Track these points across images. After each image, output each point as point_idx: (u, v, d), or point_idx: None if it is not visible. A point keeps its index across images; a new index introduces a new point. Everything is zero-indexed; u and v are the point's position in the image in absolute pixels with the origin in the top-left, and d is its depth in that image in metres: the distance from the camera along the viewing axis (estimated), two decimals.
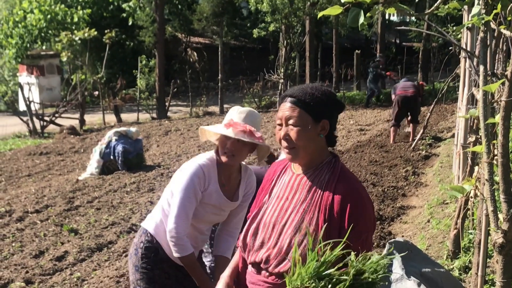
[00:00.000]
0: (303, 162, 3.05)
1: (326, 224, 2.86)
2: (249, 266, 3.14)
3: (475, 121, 5.19)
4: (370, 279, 2.54)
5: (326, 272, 2.53)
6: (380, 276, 2.56)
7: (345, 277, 2.52)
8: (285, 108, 3.00)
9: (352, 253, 2.61)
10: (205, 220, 4.26)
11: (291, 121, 2.96)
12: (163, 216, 4.23)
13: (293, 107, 2.97)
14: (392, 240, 3.84)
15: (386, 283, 2.73)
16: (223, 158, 4.06)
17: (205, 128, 4.18)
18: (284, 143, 3.00)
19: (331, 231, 2.85)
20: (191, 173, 4.03)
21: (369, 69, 26.54)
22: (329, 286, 2.51)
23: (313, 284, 2.51)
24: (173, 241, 4.02)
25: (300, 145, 2.95)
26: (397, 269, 3.56)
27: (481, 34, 2.81)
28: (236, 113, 4.07)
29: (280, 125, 3.02)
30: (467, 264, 6.13)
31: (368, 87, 26.68)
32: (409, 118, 15.87)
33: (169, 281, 4.23)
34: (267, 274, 3.00)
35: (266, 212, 3.12)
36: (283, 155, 3.47)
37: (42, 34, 36.60)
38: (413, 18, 34.51)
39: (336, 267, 2.55)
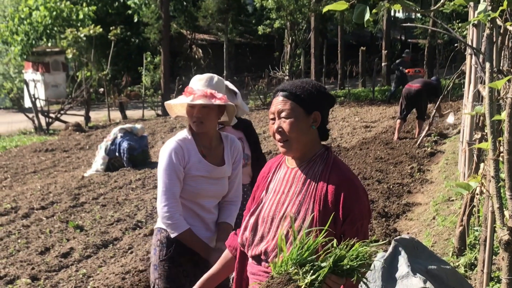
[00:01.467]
0: (297, 155, 3.10)
1: (313, 214, 2.92)
2: (250, 259, 3.17)
3: (481, 118, 5.19)
4: (348, 266, 2.60)
5: (308, 258, 2.61)
6: (360, 263, 2.61)
7: (325, 263, 2.60)
8: (277, 102, 3.06)
9: (335, 240, 2.67)
10: (205, 194, 4.23)
11: (283, 114, 3.01)
12: None
13: (285, 100, 3.02)
14: (398, 237, 3.85)
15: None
16: (194, 127, 4.16)
17: (169, 103, 4.27)
18: (278, 136, 3.05)
19: (325, 220, 2.89)
20: (168, 151, 4.09)
21: (394, 67, 25.34)
22: (311, 271, 2.58)
23: (295, 270, 2.60)
24: (165, 221, 4.05)
25: (293, 136, 3.00)
26: (403, 266, 3.56)
27: (487, 31, 2.81)
28: (196, 80, 4.18)
29: (273, 119, 3.07)
30: (472, 261, 6.12)
31: (392, 85, 26.49)
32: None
33: (187, 279, 4.20)
34: (267, 264, 3.03)
35: (264, 207, 3.17)
36: None
37: (48, 31, 36.67)
38: (418, 14, 34.46)
39: (318, 254, 2.62)
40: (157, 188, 4.14)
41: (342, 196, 2.92)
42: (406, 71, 23.38)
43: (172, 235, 4.07)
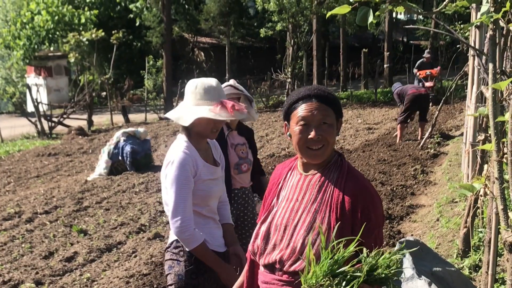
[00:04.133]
0: (323, 160, 3.05)
1: (339, 222, 2.87)
2: (261, 267, 3.14)
3: (484, 119, 5.18)
4: (383, 275, 2.58)
5: (340, 269, 2.56)
6: (393, 271, 2.59)
7: (358, 273, 2.55)
8: (314, 107, 2.99)
9: (365, 249, 2.65)
10: (214, 195, 4.24)
11: (324, 119, 2.98)
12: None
13: (323, 106, 2.98)
14: (403, 239, 3.84)
15: (400, 279, 2.74)
16: (211, 136, 4.18)
17: (208, 116, 4.02)
18: (313, 143, 2.98)
19: (343, 229, 2.87)
20: (180, 163, 3.99)
21: (414, 69, 23.90)
22: (343, 283, 2.54)
23: (328, 281, 2.54)
24: (180, 235, 3.99)
25: (330, 141, 2.99)
26: (408, 268, 3.56)
27: (490, 32, 2.81)
28: (214, 88, 4.14)
29: (305, 125, 2.99)
30: (477, 262, 6.12)
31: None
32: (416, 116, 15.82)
33: (213, 285, 4.17)
34: (281, 273, 3.00)
35: (276, 215, 3.12)
36: None
37: (50, 35, 36.76)
38: (420, 16, 34.45)
39: (350, 264, 2.57)
40: (168, 202, 4.02)
41: (359, 205, 2.90)
42: (417, 73, 22.61)
43: (188, 249, 4.01)
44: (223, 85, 5.65)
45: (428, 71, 22.02)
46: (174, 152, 4.04)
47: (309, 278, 2.60)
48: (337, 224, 2.86)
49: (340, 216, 2.91)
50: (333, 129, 2.99)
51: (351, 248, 2.62)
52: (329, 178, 3.02)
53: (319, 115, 2.97)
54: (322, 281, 2.56)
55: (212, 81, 4.17)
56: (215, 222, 4.27)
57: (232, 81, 5.89)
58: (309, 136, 2.97)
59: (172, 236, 4.23)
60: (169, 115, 4.22)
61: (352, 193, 2.92)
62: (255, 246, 3.14)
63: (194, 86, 4.16)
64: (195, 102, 4.10)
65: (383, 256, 2.62)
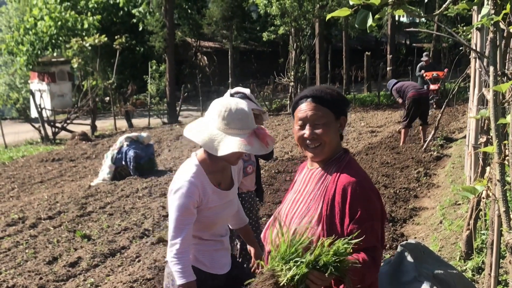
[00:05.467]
0: (324, 158, 3.21)
1: (320, 212, 3.07)
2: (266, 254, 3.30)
3: (486, 121, 5.18)
4: (323, 262, 2.76)
5: (293, 255, 2.78)
6: (337, 259, 2.76)
7: (303, 259, 2.77)
8: (308, 108, 3.16)
9: (322, 238, 2.90)
10: (223, 219, 4.07)
11: (317, 119, 3.13)
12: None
13: (318, 106, 3.15)
14: (404, 242, 3.84)
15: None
16: (234, 163, 3.94)
17: (244, 151, 3.68)
18: (309, 142, 3.16)
19: (333, 220, 3.04)
20: (184, 193, 3.75)
21: (418, 71, 23.76)
22: (294, 268, 2.74)
23: (281, 266, 2.77)
24: (172, 266, 3.78)
25: (326, 140, 3.14)
26: (410, 271, 3.55)
27: (491, 35, 2.81)
28: (246, 116, 3.78)
29: (302, 125, 3.18)
30: (480, 265, 6.11)
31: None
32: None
33: None
34: None
35: (283, 206, 3.34)
36: None
37: (53, 41, 36.80)
38: (423, 19, 34.48)
39: (310, 252, 2.79)
40: (169, 228, 3.83)
41: (348, 197, 3.01)
42: (424, 75, 22.44)
43: (177, 283, 3.78)
44: (237, 94, 5.68)
45: (435, 73, 21.96)
46: (181, 179, 3.82)
47: (270, 262, 2.84)
48: (318, 213, 3.07)
49: (330, 207, 3.05)
50: (329, 128, 3.13)
51: (304, 236, 2.85)
52: (328, 171, 3.17)
53: (313, 115, 3.14)
54: (277, 265, 2.77)
55: (244, 106, 3.80)
56: (218, 243, 4.09)
57: (247, 92, 5.86)
58: (304, 135, 3.16)
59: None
60: (194, 138, 3.78)
61: (343, 186, 3.04)
62: (265, 235, 3.35)
63: (224, 109, 3.74)
64: (224, 130, 3.71)
65: (334, 245, 2.79)
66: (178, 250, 3.74)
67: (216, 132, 3.70)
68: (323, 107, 3.14)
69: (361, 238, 2.91)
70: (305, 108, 3.16)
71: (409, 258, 3.64)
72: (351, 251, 2.84)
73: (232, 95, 5.77)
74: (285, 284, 2.76)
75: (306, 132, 3.14)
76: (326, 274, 2.76)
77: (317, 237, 3.05)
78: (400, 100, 15.55)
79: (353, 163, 3.18)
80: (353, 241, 2.86)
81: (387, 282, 3.64)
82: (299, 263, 2.76)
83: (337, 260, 2.77)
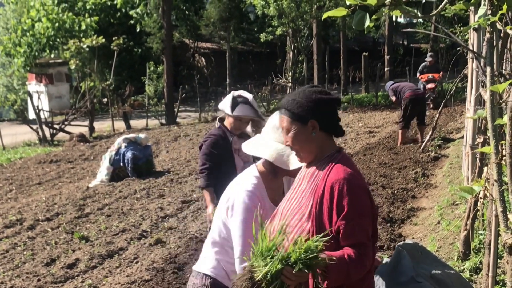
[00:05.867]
0: (310, 160, 3.32)
1: (310, 209, 3.13)
2: None
3: (483, 121, 5.19)
4: (293, 259, 2.84)
5: (270, 252, 2.88)
6: (307, 256, 2.84)
7: (279, 256, 2.87)
8: (280, 119, 3.37)
9: (301, 236, 2.97)
10: None
11: (285, 130, 3.30)
12: (217, 251, 3.85)
13: (282, 117, 3.33)
14: (402, 242, 3.84)
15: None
16: (296, 174, 3.62)
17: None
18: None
19: (321, 217, 3.10)
20: (246, 207, 3.61)
21: (417, 73, 23.21)
22: (270, 264, 2.85)
23: (257, 262, 2.89)
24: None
25: (297, 148, 3.29)
26: (407, 271, 3.55)
27: (488, 35, 2.82)
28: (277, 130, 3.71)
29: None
30: (477, 265, 6.11)
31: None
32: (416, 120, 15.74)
33: None
34: None
35: (282, 202, 3.42)
36: None
37: (50, 42, 36.76)
38: (420, 19, 34.48)
39: (288, 249, 2.88)
40: (235, 244, 3.64)
41: (335, 194, 3.06)
42: (420, 77, 22.00)
43: None
44: (240, 98, 5.73)
45: (430, 75, 21.85)
46: (242, 192, 3.69)
47: (251, 258, 2.95)
48: (308, 210, 3.15)
49: (320, 204, 3.11)
50: (296, 136, 3.26)
51: (278, 234, 2.93)
52: (319, 169, 3.23)
53: (282, 125, 3.36)
54: (256, 261, 2.89)
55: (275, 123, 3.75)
56: None
57: (250, 97, 5.88)
58: None
59: (205, 266, 3.91)
60: (261, 154, 3.72)
61: (331, 183, 3.09)
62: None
63: None
64: None
65: (306, 243, 2.87)
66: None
67: (281, 146, 3.65)
68: (286, 117, 3.28)
69: (348, 235, 3.01)
70: (279, 119, 3.40)
71: (407, 259, 3.65)
72: (323, 248, 2.90)
73: (234, 98, 5.79)
74: (260, 279, 2.85)
75: (284, 139, 3.38)
76: (294, 270, 2.84)
77: (307, 233, 3.11)
78: (394, 98, 15.58)
79: (344, 161, 3.22)
80: (324, 239, 2.93)
81: (384, 283, 3.64)
82: (274, 259, 2.85)
83: (307, 257, 2.84)
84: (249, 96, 5.87)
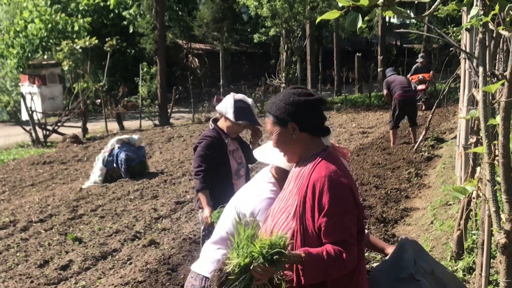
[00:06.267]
0: (295, 160, 3.40)
1: (294, 208, 3.19)
2: None
3: (476, 122, 5.20)
4: (253, 255, 2.92)
5: (242, 248, 2.96)
6: (266, 252, 2.89)
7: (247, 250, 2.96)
8: (265, 122, 3.46)
9: (273, 233, 3.10)
10: None
11: (269, 132, 3.41)
12: (219, 253, 3.79)
13: (267, 120, 3.43)
14: (404, 236, 3.83)
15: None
16: None
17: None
18: None
19: (305, 215, 3.14)
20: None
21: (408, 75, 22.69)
22: (244, 259, 2.93)
23: (233, 255, 2.98)
24: None
25: (281, 149, 3.40)
26: (408, 267, 3.55)
27: (480, 35, 2.82)
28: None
29: None
30: (470, 265, 6.13)
31: None
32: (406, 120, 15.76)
33: None
34: None
35: (275, 202, 3.47)
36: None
37: (43, 44, 36.71)
38: (413, 20, 34.53)
39: (261, 245, 2.93)
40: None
41: (317, 191, 3.09)
42: (410, 78, 21.42)
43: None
44: (240, 102, 5.75)
45: (420, 75, 21.82)
46: (264, 200, 3.68)
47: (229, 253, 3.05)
48: (293, 209, 3.21)
49: (303, 202, 3.16)
50: (279, 138, 3.36)
51: (250, 230, 3.02)
52: (305, 169, 3.28)
53: (268, 129, 3.44)
54: (230, 254, 2.99)
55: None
56: None
57: (251, 102, 5.89)
58: None
59: (205, 268, 3.87)
60: (277, 163, 3.70)
61: (313, 182, 3.14)
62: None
63: None
64: None
65: (269, 239, 2.95)
66: None
67: None
68: (270, 120, 3.38)
69: (329, 232, 3.05)
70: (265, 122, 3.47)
71: (410, 252, 3.63)
72: (287, 244, 2.97)
73: (236, 102, 5.77)
74: (230, 271, 2.95)
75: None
76: (252, 265, 2.90)
77: (292, 232, 3.17)
78: (385, 92, 15.58)
79: (328, 159, 3.25)
80: (286, 235, 3.03)
81: (383, 276, 3.63)
82: (246, 254, 2.92)
83: (269, 252, 2.89)
84: (250, 101, 5.87)
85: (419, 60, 22.60)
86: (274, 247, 2.91)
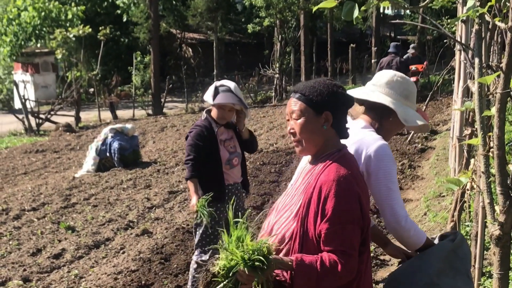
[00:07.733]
0: (311, 154, 3.16)
1: (298, 208, 3.04)
2: None
3: (471, 113, 5.20)
4: (234, 261, 2.84)
5: (231, 247, 2.85)
6: (247, 257, 2.79)
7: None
8: (290, 103, 3.13)
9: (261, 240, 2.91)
10: None
11: (294, 115, 3.09)
12: None
13: (296, 101, 3.09)
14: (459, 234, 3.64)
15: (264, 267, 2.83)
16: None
17: (423, 123, 3.58)
18: (291, 137, 3.15)
19: (307, 218, 2.98)
20: (391, 156, 3.54)
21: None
22: (229, 260, 2.85)
23: (222, 254, 2.88)
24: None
25: (303, 137, 3.07)
26: (467, 262, 3.45)
27: (476, 27, 2.82)
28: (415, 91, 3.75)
29: (288, 119, 3.15)
30: None
31: None
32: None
33: None
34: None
35: (280, 197, 3.34)
36: None
37: (37, 32, 36.55)
38: (407, 11, 34.52)
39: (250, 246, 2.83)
40: (393, 203, 3.55)
41: (323, 195, 2.93)
42: (410, 67, 21.40)
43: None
44: (222, 87, 5.74)
45: (413, 67, 21.67)
46: (380, 143, 3.48)
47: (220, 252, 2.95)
48: (296, 209, 3.06)
49: (307, 204, 3.00)
50: (306, 124, 3.05)
51: (238, 231, 2.88)
52: (316, 167, 3.10)
53: (292, 110, 3.10)
54: (221, 253, 2.88)
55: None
56: None
57: (232, 85, 5.89)
58: (288, 129, 3.17)
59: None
60: (381, 100, 3.63)
61: (321, 184, 2.96)
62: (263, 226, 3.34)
63: (406, 83, 3.70)
64: (404, 101, 3.66)
65: (252, 244, 2.84)
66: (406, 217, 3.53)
67: (400, 102, 3.62)
68: (301, 102, 3.06)
69: (328, 240, 2.88)
70: (288, 103, 3.15)
71: (465, 246, 3.52)
72: (271, 250, 2.84)
73: (217, 88, 5.79)
74: (217, 272, 2.86)
75: (289, 126, 3.14)
76: (233, 270, 2.81)
77: (291, 232, 3.03)
78: None
79: (342, 161, 3.03)
80: (272, 240, 2.95)
81: (443, 260, 3.44)
82: (227, 256, 2.85)
83: (250, 258, 2.78)
84: (231, 84, 5.87)
85: (411, 51, 22.36)
86: (257, 253, 2.78)
